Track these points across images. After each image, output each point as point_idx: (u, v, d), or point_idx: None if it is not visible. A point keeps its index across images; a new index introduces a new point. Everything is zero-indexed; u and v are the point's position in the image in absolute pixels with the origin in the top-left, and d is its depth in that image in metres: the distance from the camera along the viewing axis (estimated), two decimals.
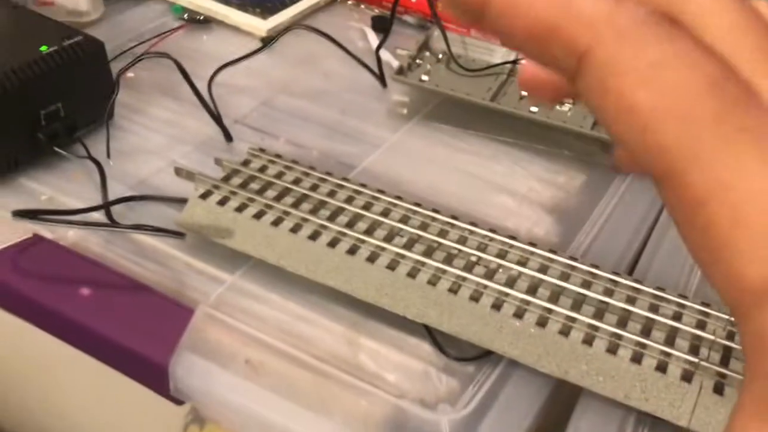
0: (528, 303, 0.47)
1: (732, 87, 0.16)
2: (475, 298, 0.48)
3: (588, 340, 0.45)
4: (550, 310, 0.47)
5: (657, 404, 0.43)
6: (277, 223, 0.52)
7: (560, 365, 0.45)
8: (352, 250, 0.50)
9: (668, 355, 0.44)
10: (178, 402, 0.47)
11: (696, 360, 0.44)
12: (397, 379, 0.46)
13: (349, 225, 0.52)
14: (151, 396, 0.49)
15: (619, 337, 0.45)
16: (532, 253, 0.51)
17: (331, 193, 0.55)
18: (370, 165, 0.62)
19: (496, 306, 0.47)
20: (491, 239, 0.52)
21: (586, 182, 0.62)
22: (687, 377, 0.43)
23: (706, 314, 0.47)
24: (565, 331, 0.46)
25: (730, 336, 0.46)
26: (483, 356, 0.47)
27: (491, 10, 0.18)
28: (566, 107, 0.65)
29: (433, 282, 0.48)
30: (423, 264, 0.49)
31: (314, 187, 0.55)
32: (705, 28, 0.18)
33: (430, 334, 0.48)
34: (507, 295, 0.48)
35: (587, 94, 0.17)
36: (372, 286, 0.49)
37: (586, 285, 0.49)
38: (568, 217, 0.58)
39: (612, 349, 0.45)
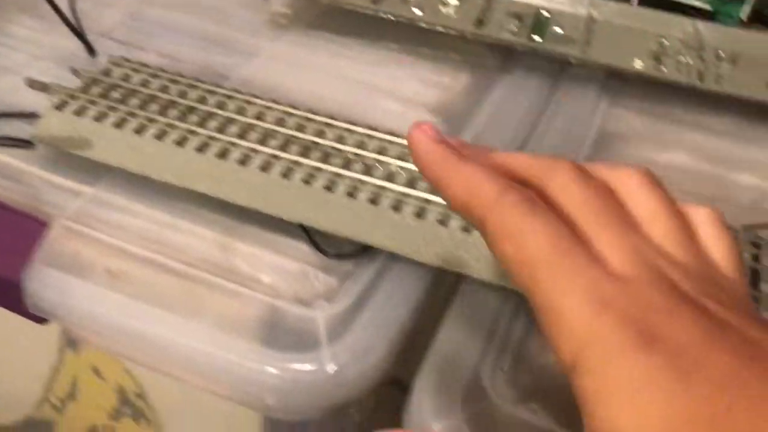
0: (406, 196, 0.46)
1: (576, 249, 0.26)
2: (352, 194, 0.46)
3: (467, 228, 0.44)
4: (429, 201, 0.45)
5: None
6: (140, 130, 0.49)
7: (439, 254, 0.43)
8: (223, 154, 0.48)
9: None
10: (40, 320, 0.44)
11: None
12: (273, 279, 0.44)
13: (220, 129, 0.49)
14: (20, 322, 0.46)
15: None
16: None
17: (201, 100, 0.52)
18: (248, 75, 0.59)
19: (374, 201, 0.45)
20: (370, 137, 0.50)
21: (471, 83, 0.60)
22: None
23: None
24: (443, 221, 0.44)
25: None
26: (361, 252, 0.45)
27: (427, 179, 0.32)
28: (451, 10, 0.63)
29: (308, 181, 0.46)
30: (298, 164, 0.47)
31: (183, 94, 0.52)
32: (564, 201, 0.28)
33: (306, 233, 0.46)
34: (384, 189, 0.46)
35: (488, 244, 0.28)
36: (244, 189, 0.46)
37: None
38: (453, 117, 0.57)
39: None
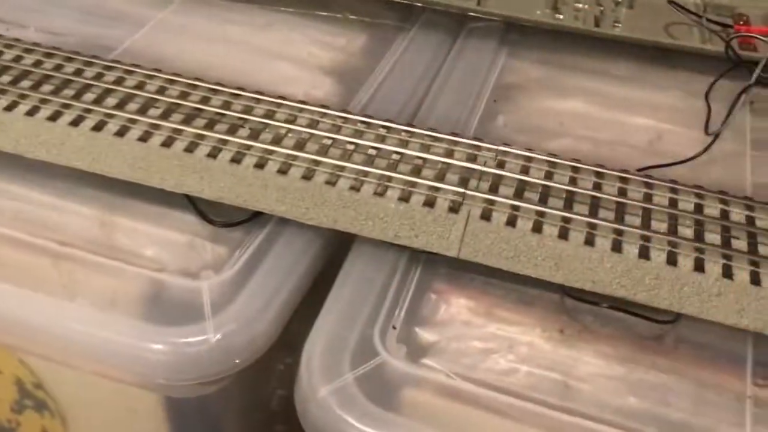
0: (294, 158, 0.44)
1: None
2: (237, 160, 0.44)
3: (356, 187, 0.43)
4: (317, 162, 0.44)
5: (426, 239, 0.41)
6: (10, 108, 0.46)
7: (329, 215, 0.42)
8: (99, 127, 0.45)
9: (437, 189, 0.43)
10: None
11: (463, 191, 0.42)
12: (157, 253, 0.42)
13: (97, 102, 0.47)
14: None
15: (389, 179, 0.43)
16: (302, 110, 0.48)
17: (78, 72, 0.49)
18: (133, 46, 0.56)
19: (260, 165, 0.44)
20: (258, 100, 0.48)
21: (367, 43, 0.59)
22: (454, 208, 0.42)
23: (478, 147, 0.46)
24: (332, 181, 0.43)
25: (501, 165, 0.45)
26: (250, 219, 0.43)
27: None
28: None
29: (190, 149, 0.44)
30: (180, 132, 0.45)
31: (58, 68, 0.49)
32: None
33: (192, 203, 0.44)
34: (272, 153, 0.44)
35: None
36: (123, 161, 0.44)
37: (358, 135, 0.46)
38: (349, 77, 0.55)
39: (380, 192, 0.42)
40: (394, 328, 0.39)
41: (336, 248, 0.43)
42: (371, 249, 0.42)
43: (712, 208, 0.43)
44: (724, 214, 0.43)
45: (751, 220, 0.42)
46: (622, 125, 0.52)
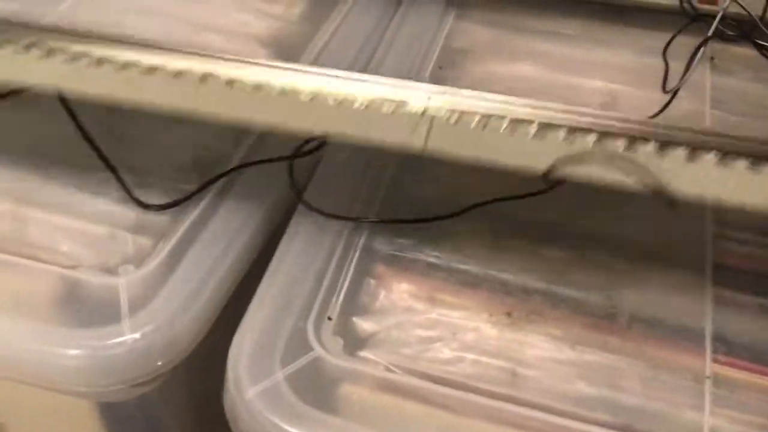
0: None
1: None
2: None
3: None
4: None
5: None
6: None
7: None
8: None
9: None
10: None
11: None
12: (72, 248, 0.39)
13: None
14: None
15: None
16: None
17: None
18: (57, 20, 0.52)
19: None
20: None
21: (306, 9, 0.55)
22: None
23: None
24: None
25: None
26: (182, 201, 0.40)
27: None
28: None
29: None
30: None
31: None
32: None
33: (121, 182, 0.41)
34: None
35: None
36: None
37: None
38: (286, 47, 0.52)
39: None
40: (329, 319, 0.36)
41: (270, 235, 0.40)
42: (306, 232, 0.39)
43: None
44: None
45: None
46: (574, 88, 0.49)
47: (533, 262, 0.39)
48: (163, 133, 0.45)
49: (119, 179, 0.41)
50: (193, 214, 0.40)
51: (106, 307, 0.36)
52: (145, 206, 0.40)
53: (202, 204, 0.40)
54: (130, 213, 0.40)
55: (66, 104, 0.41)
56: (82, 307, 0.36)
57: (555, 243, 0.40)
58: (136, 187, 0.41)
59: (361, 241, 0.39)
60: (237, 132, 0.45)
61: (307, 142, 0.42)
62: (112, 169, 0.41)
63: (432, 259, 0.39)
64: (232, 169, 0.42)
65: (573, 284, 0.38)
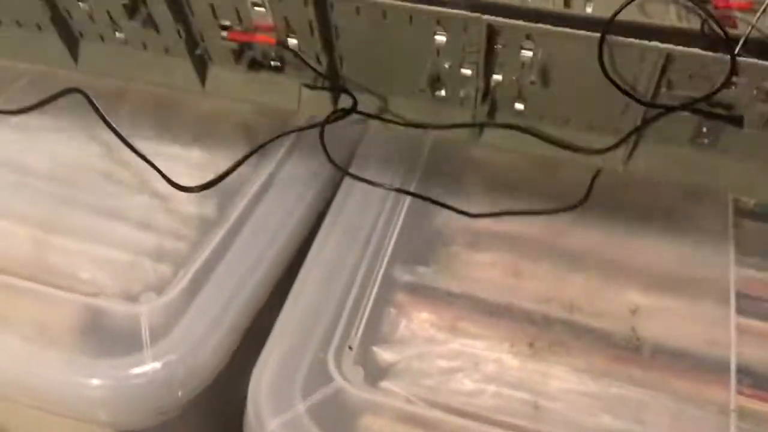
0: None
1: None
2: None
3: None
4: None
5: None
6: None
7: None
8: None
9: None
10: None
11: None
12: (94, 275, 0.39)
13: None
14: None
15: None
16: None
17: None
18: None
19: None
20: None
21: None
22: None
23: None
24: None
25: None
26: (217, 182, 0.41)
27: None
28: None
29: None
30: None
31: None
32: None
33: (159, 172, 0.41)
34: None
35: None
36: None
37: None
38: None
39: None
40: (350, 348, 0.36)
41: (290, 263, 0.40)
42: (327, 259, 0.39)
43: None
44: None
45: None
46: None
47: (556, 291, 0.38)
48: None
49: (156, 168, 0.41)
50: (213, 241, 0.40)
51: (128, 335, 0.36)
52: (185, 189, 0.41)
53: (222, 232, 0.40)
54: (151, 239, 0.40)
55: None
56: (104, 336, 0.36)
57: (578, 272, 0.40)
58: None
59: (381, 270, 0.39)
60: None
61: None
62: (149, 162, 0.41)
63: (453, 288, 0.39)
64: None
65: (596, 315, 0.37)
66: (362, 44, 0.44)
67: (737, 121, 0.42)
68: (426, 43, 0.43)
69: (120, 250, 0.40)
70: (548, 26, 0.40)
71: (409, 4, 0.41)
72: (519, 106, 0.45)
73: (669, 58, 0.41)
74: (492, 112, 0.45)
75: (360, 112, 0.45)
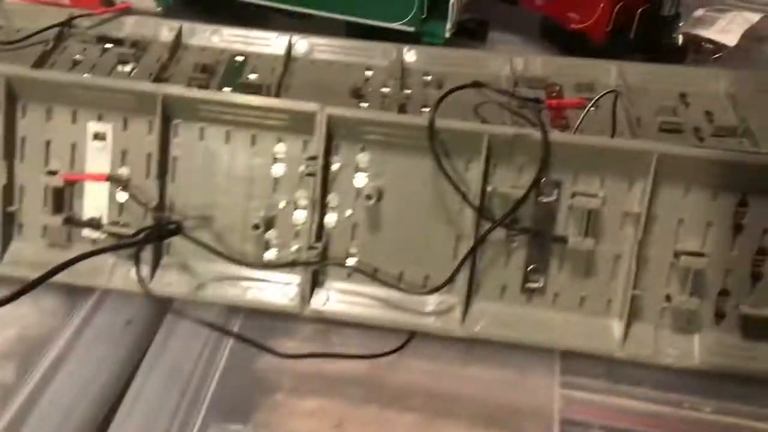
0: None
1: None
2: None
3: None
4: None
5: None
6: None
7: None
8: None
9: None
10: None
11: None
12: None
13: None
14: None
15: None
16: None
17: None
18: None
19: None
20: None
21: None
22: None
23: None
24: None
25: None
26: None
27: None
28: None
29: None
30: None
31: None
32: None
33: None
34: None
35: None
36: None
37: None
38: None
39: None
40: None
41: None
42: (144, 411, 0.37)
43: None
44: None
45: None
46: None
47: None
48: None
49: None
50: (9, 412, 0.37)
51: None
52: None
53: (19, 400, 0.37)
54: None
55: None
56: None
57: (405, 412, 0.39)
58: None
59: (198, 424, 0.37)
60: None
61: None
62: None
63: None
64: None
65: None
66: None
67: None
68: None
69: None
70: None
71: None
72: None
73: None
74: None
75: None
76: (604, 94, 0.49)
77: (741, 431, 0.39)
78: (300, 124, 0.43)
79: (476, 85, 0.52)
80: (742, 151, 0.46)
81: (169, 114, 0.44)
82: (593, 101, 0.48)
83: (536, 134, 0.41)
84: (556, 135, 0.42)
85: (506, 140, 0.42)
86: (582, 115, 0.47)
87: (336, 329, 0.43)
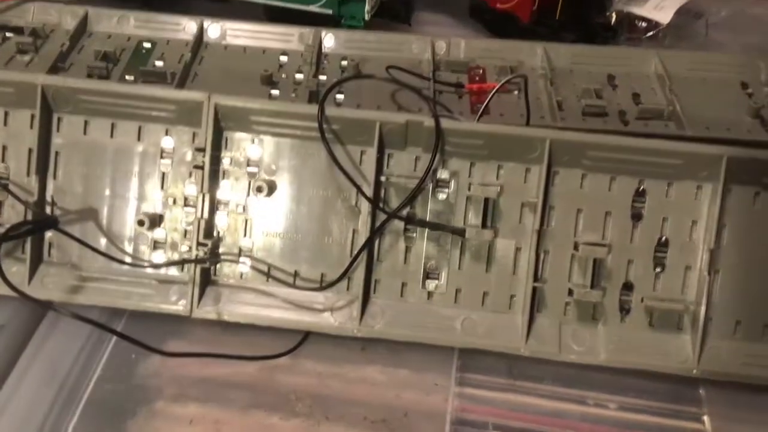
0: None
1: None
2: None
3: None
4: None
5: None
6: None
7: None
8: None
9: None
10: None
11: None
12: None
13: None
14: None
15: None
16: None
17: None
18: None
19: None
20: None
21: None
22: None
23: None
24: None
25: None
26: None
27: None
28: None
29: None
30: None
31: None
32: None
33: None
34: None
35: None
36: None
37: None
38: None
39: None
40: None
41: None
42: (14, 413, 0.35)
43: None
44: None
45: None
46: None
47: None
48: None
49: None
50: None
51: None
52: None
53: None
54: None
55: None
56: None
57: (292, 417, 0.37)
58: None
59: None
60: None
61: None
62: None
63: None
64: None
65: None
66: None
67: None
68: None
69: None
70: None
71: None
72: None
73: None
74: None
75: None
76: (512, 77, 0.47)
77: (646, 428, 0.38)
78: (188, 115, 0.41)
79: (366, 76, 0.50)
80: (638, 133, 0.44)
81: (51, 107, 0.42)
82: (499, 85, 0.46)
83: (429, 121, 0.39)
84: (448, 122, 0.39)
85: (399, 128, 0.40)
86: (486, 100, 0.45)
87: (231, 331, 0.41)
